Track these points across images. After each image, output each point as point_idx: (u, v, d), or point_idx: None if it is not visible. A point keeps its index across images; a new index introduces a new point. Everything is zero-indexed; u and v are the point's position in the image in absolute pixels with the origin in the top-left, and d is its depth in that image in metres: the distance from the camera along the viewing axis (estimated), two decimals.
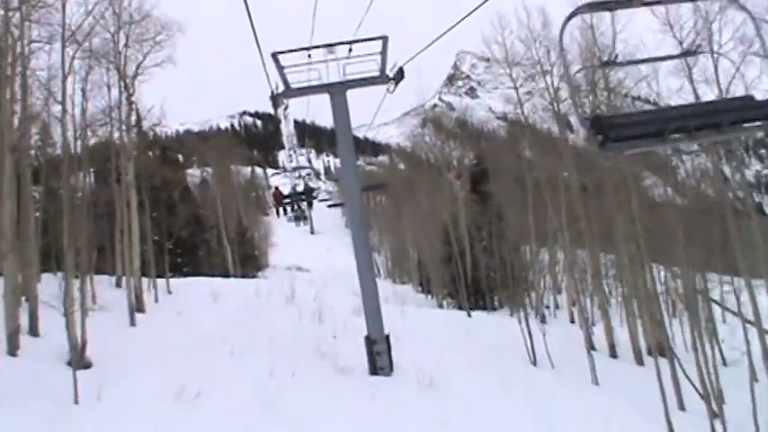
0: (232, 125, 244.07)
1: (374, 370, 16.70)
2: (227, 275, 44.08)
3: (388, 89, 16.56)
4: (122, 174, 26.40)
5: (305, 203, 26.63)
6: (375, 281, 16.76)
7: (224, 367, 15.97)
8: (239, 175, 70.64)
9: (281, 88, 15.45)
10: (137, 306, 22.31)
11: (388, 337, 16.85)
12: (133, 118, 24.31)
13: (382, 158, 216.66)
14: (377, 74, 16.74)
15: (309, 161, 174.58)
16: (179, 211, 44.48)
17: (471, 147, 42.95)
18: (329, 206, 36.03)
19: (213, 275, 41.06)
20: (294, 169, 27.73)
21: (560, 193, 30.79)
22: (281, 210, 27.27)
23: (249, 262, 50.05)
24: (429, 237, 45.30)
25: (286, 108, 16.60)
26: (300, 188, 26.50)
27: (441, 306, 38.42)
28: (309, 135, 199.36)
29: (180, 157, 64.60)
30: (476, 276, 37.06)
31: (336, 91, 16.92)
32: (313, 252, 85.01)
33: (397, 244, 75.54)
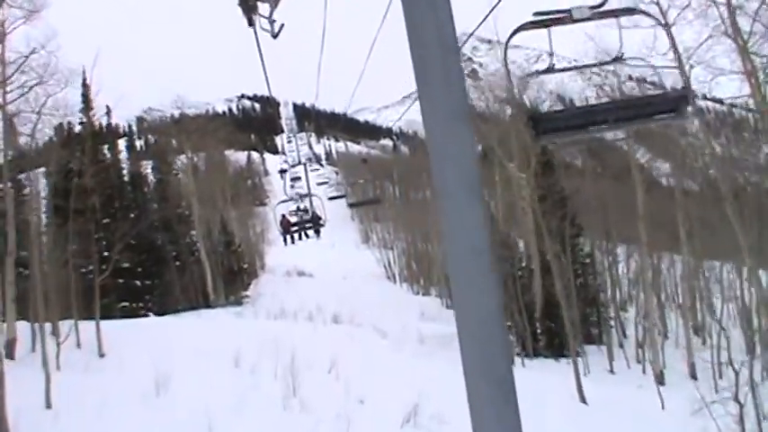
0: (230, 109, 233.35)
1: None
2: (206, 301, 33.61)
3: None
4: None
5: (312, 230, 19.65)
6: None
7: None
8: (220, 162, 59.02)
9: None
10: None
11: None
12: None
13: (384, 142, 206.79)
14: None
15: (310, 146, 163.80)
16: (143, 215, 34.00)
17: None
18: (351, 205, 26.76)
19: (186, 306, 30.81)
20: (294, 180, 22.34)
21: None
22: (288, 237, 17.94)
23: (235, 281, 39.05)
24: None
25: (273, 20, 4.84)
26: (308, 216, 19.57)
27: None
28: (310, 119, 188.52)
29: (174, 142, 53.31)
30: (551, 311, 26.55)
31: None
32: (315, 250, 74.41)
33: (409, 242, 65.09)
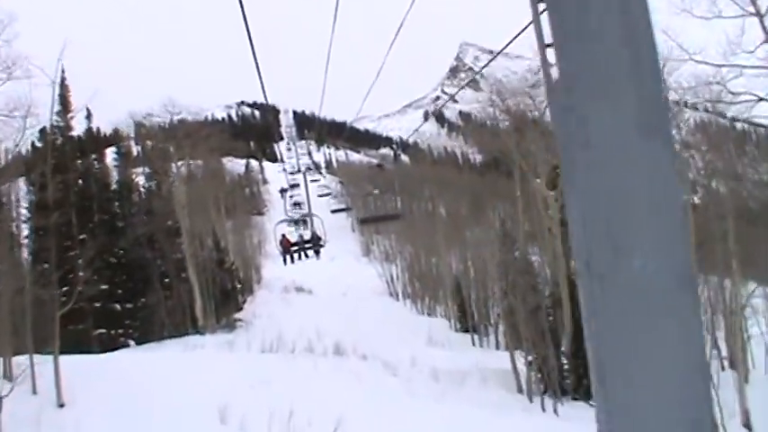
0: (229, 115, 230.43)
1: None
2: (195, 325, 30.60)
3: None
4: None
5: (312, 251, 19.11)
6: None
7: None
8: (217, 170, 55.88)
9: None
10: None
11: None
12: None
13: (384, 151, 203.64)
14: None
15: (310, 154, 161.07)
16: (129, 229, 31.13)
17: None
18: (362, 221, 25.32)
19: (173, 332, 27.86)
20: (293, 188, 21.98)
21: None
22: (287, 257, 15.68)
23: (228, 302, 35.81)
24: (489, 264, 31.76)
25: None
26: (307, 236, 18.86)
27: (525, 390, 24.21)
28: (310, 126, 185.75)
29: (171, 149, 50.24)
30: (580, 346, 23.64)
31: None
32: (315, 263, 71.12)
33: (413, 256, 61.95)
